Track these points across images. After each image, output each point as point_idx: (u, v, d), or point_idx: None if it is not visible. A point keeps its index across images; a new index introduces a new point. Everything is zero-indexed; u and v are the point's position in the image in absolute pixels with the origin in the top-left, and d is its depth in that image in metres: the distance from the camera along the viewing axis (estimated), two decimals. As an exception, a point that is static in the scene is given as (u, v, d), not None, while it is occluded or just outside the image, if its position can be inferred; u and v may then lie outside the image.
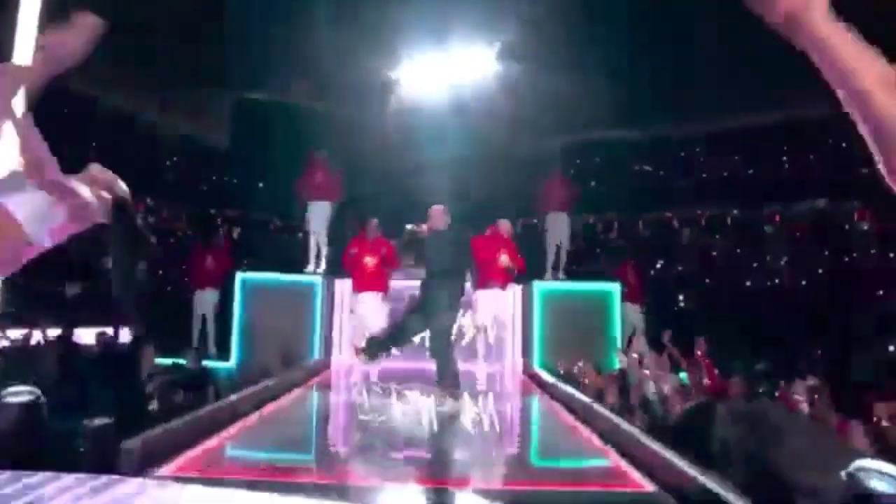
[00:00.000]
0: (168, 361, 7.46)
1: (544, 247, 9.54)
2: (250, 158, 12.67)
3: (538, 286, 9.10)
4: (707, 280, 11.92)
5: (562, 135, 12.22)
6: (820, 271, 11.34)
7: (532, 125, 11.98)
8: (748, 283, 11.71)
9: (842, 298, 9.88)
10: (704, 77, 10.89)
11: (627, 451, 4.12)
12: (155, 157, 12.57)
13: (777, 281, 11.64)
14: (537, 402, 6.75)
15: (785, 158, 12.70)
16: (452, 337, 6.60)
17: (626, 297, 9.14)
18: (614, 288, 9.08)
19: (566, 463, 4.52)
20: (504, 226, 8.04)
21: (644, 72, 11.23)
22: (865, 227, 11.26)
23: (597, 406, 5.37)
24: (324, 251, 9.14)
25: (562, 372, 7.87)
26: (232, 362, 8.78)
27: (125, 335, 8.27)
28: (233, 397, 5.25)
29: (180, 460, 3.66)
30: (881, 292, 9.95)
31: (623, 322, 8.98)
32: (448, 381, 5.97)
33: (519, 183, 10.68)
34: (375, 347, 6.45)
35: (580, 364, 7.71)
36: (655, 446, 3.77)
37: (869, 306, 9.52)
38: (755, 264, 11.90)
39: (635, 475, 3.72)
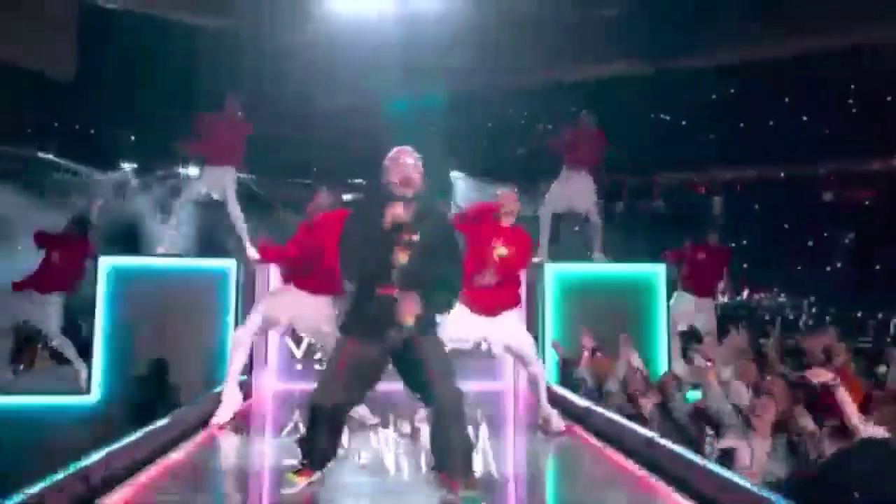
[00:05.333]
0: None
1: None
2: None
3: (552, 269, 6.44)
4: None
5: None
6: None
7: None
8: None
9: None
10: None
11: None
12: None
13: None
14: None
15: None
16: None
17: (688, 287, 6.65)
18: (658, 270, 6.53)
19: None
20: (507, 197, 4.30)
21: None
22: None
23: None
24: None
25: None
26: (94, 397, 5.67)
27: None
28: (95, 456, 2.76)
29: None
30: None
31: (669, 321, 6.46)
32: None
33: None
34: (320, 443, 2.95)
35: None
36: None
37: None
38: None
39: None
